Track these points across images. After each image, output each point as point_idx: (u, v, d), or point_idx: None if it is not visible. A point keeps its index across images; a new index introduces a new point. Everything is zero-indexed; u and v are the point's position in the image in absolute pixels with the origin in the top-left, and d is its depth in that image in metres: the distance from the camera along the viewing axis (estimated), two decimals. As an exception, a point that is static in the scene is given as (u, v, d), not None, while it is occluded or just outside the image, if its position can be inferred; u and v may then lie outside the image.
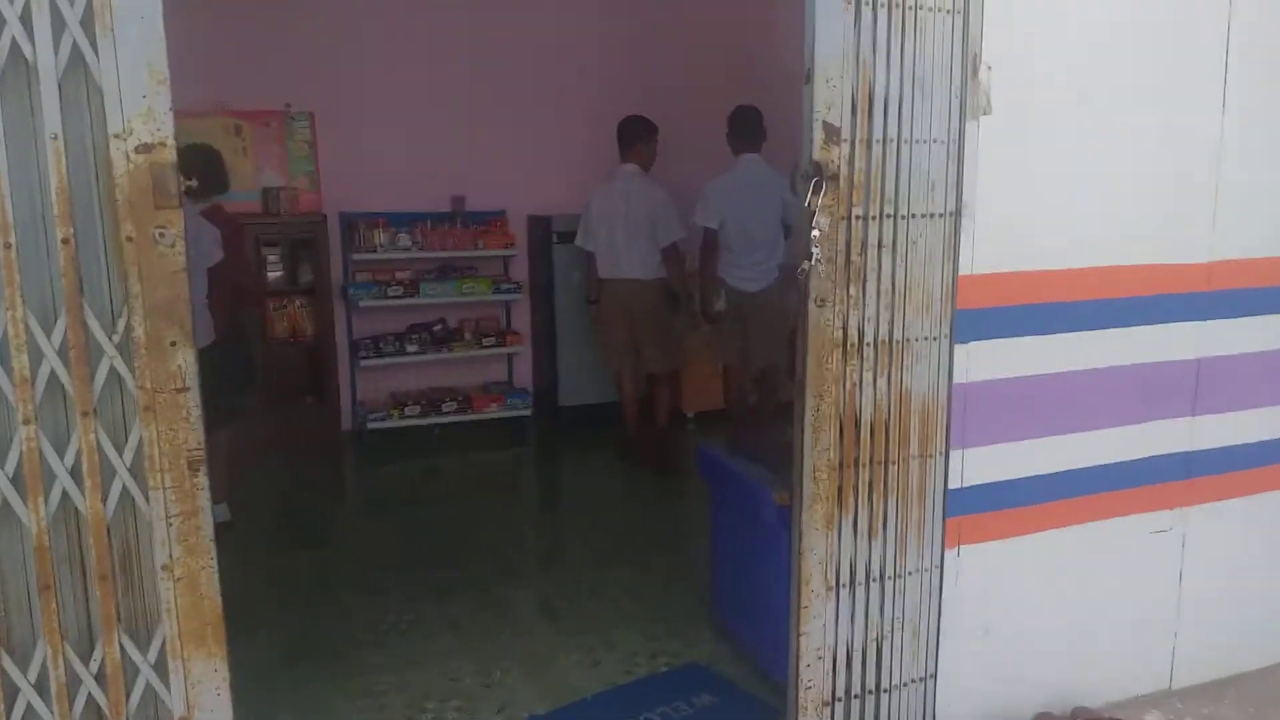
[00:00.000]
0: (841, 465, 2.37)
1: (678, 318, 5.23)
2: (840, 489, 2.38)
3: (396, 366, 5.91)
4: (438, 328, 5.93)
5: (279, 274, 5.47)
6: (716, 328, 5.15)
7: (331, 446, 5.59)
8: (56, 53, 1.75)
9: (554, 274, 5.88)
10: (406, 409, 5.67)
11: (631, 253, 5.05)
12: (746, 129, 4.91)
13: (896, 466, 2.44)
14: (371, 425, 5.62)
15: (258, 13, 5.41)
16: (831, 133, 2.23)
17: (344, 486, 5.21)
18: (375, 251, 5.61)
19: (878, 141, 2.28)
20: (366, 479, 5.33)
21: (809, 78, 2.21)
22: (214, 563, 1.96)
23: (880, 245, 2.33)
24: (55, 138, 1.76)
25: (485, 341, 5.92)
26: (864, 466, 2.39)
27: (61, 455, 1.84)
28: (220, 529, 2.02)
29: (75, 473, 1.85)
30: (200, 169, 4.47)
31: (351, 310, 5.73)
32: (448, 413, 5.77)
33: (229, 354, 4.55)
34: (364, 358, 5.64)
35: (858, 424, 2.37)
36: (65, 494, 1.85)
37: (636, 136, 5.07)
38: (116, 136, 1.80)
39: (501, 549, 4.16)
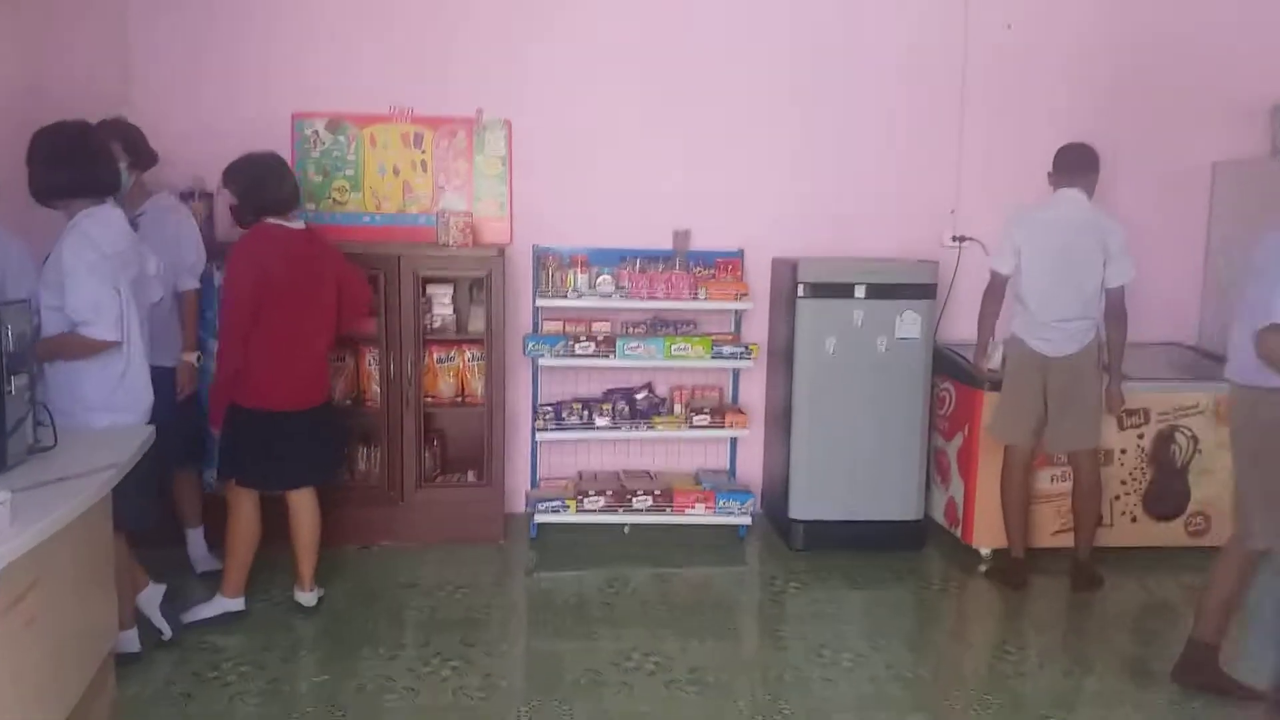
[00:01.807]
0: None
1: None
2: None
3: (581, 444, 4.65)
4: (641, 395, 4.60)
5: (448, 318, 4.40)
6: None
7: (490, 536, 4.39)
8: None
9: (796, 337, 4.36)
10: (587, 500, 4.36)
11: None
12: (1075, 163, 3.95)
13: None
14: (542, 517, 4.38)
15: (449, 8, 4.46)
16: None
17: (494, 594, 3.96)
18: (567, 296, 4.39)
19: None
20: (526, 586, 4.05)
21: None
22: None
23: None
24: None
25: (698, 420, 4.49)
26: None
27: None
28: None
29: None
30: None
31: (535, 370, 4.55)
32: (640, 509, 4.39)
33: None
34: (540, 429, 4.42)
35: None
36: None
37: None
38: None
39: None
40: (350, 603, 3.73)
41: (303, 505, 3.61)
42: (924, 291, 4.39)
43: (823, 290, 4.31)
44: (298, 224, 3.54)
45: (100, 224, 2.91)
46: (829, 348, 4.32)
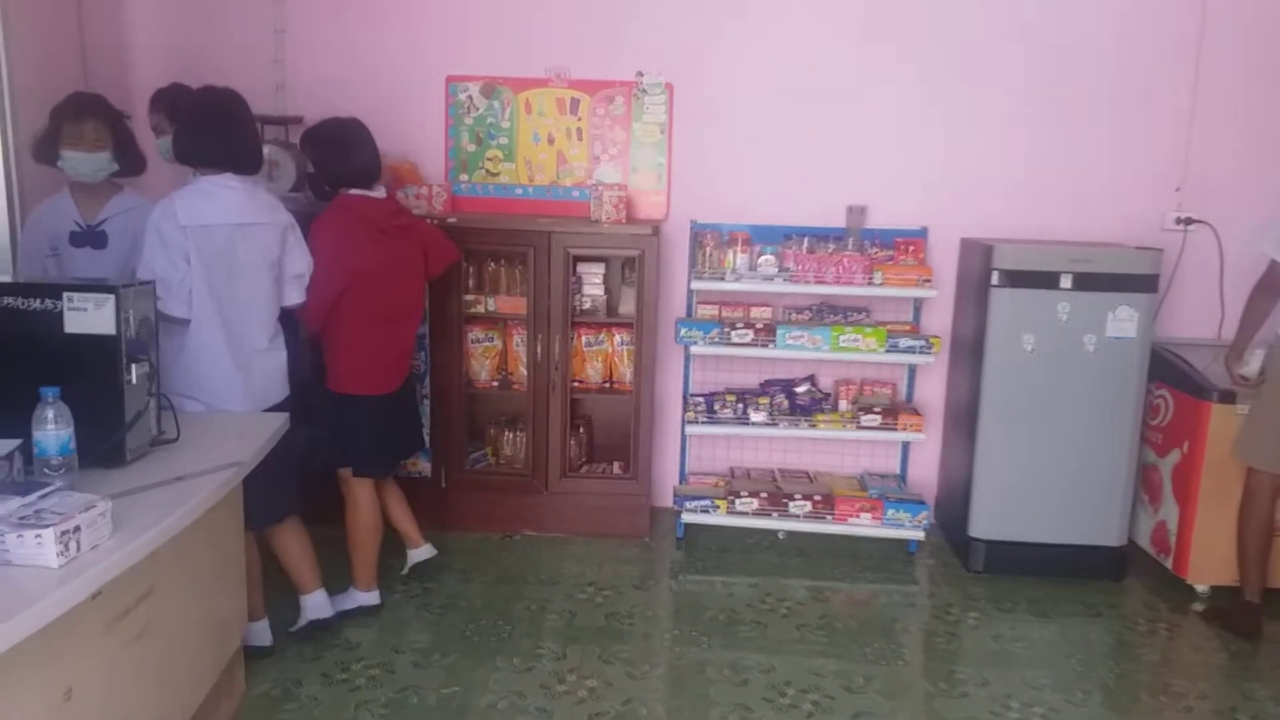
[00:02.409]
0: None
1: None
2: None
3: (734, 440, 4.28)
4: (802, 389, 4.17)
5: (599, 299, 4.10)
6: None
7: (635, 531, 4.10)
8: None
9: (987, 331, 3.82)
10: (739, 501, 3.99)
11: None
12: None
13: None
14: (690, 516, 4.05)
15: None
16: None
17: (636, 600, 3.67)
18: (725, 279, 4.00)
19: None
20: (672, 592, 3.75)
21: None
22: None
23: None
24: None
25: (866, 420, 4.03)
26: None
27: None
28: None
29: None
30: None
31: (688, 357, 4.20)
32: (797, 515, 3.99)
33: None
34: (690, 420, 4.07)
35: None
36: None
37: None
38: None
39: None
40: (489, 600, 3.53)
41: (388, 485, 3.55)
42: (1143, 284, 3.74)
43: (1022, 279, 3.73)
44: (379, 192, 3.30)
45: (194, 194, 2.74)
46: (1026, 345, 3.76)
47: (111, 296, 2.14)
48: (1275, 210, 3.39)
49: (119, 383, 2.16)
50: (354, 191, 3.22)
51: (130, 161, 2.97)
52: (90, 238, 2.91)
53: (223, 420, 2.67)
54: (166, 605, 2.17)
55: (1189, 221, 4.14)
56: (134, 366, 2.19)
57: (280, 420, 2.69)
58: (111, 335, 2.15)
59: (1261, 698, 3.10)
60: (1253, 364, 3.46)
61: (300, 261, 3.02)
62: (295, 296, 3.04)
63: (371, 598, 3.37)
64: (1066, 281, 3.74)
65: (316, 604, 3.18)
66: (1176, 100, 4.09)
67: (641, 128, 4.19)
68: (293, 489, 3.06)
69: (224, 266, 2.75)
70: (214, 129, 2.77)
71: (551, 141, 4.21)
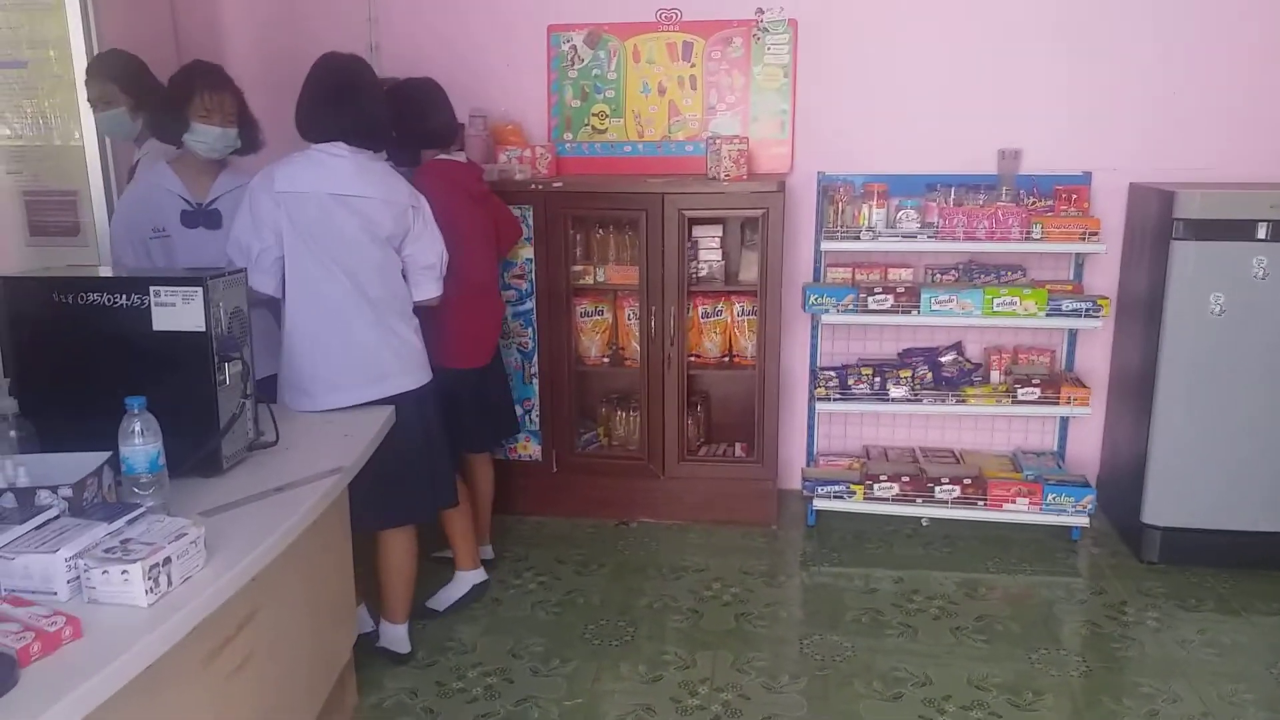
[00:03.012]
0: None
1: None
2: None
3: (869, 418, 3.89)
4: (947, 359, 3.76)
5: (716, 265, 3.75)
6: None
7: (761, 519, 3.79)
8: None
9: (1167, 291, 3.32)
10: (878, 486, 3.63)
11: None
12: None
13: None
14: (822, 503, 3.70)
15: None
16: None
17: (768, 597, 3.36)
18: (860, 237, 3.59)
19: None
20: (805, 587, 3.42)
21: None
22: None
23: None
24: None
25: (1023, 393, 3.59)
26: None
27: None
28: None
29: None
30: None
31: (816, 326, 3.83)
32: (945, 501, 3.61)
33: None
34: (820, 398, 3.71)
35: None
36: None
37: None
38: None
39: None
40: (608, 595, 3.28)
41: (483, 465, 3.39)
42: (1360, 233, 3.20)
43: (1210, 229, 3.22)
44: (460, 156, 3.13)
45: (297, 160, 2.52)
46: (1214, 306, 3.26)
47: (199, 289, 1.91)
48: None
49: (211, 384, 1.94)
50: (440, 155, 3.05)
51: (252, 137, 2.72)
52: (203, 217, 2.68)
53: (325, 418, 2.44)
54: (270, 628, 1.96)
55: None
56: (226, 365, 1.96)
57: (386, 415, 2.45)
58: (201, 332, 1.93)
59: None
60: None
61: (430, 251, 2.72)
62: (430, 289, 2.75)
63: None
64: (1263, 231, 3.21)
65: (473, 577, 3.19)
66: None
67: (762, 71, 3.78)
68: (450, 474, 2.91)
69: (324, 240, 2.49)
70: (327, 100, 2.53)
71: (663, 92, 3.85)
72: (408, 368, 2.65)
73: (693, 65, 3.81)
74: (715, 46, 3.79)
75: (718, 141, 3.58)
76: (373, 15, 3.90)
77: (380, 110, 2.63)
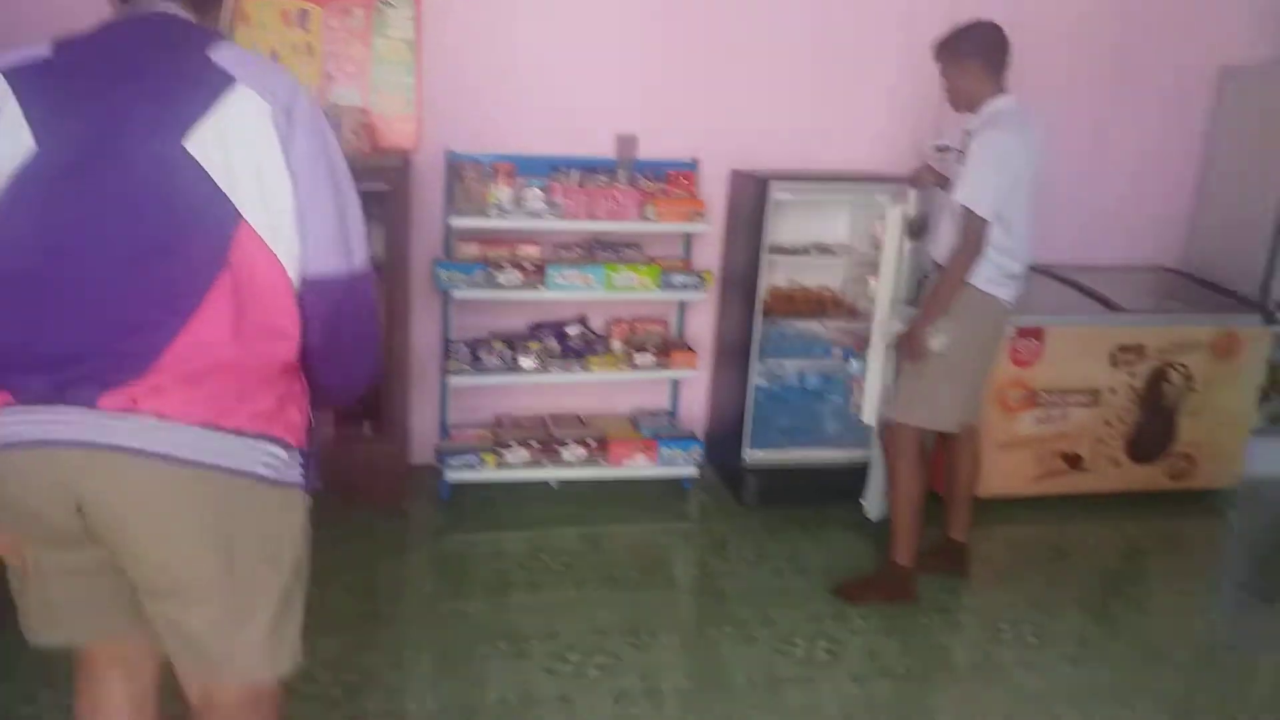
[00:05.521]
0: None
1: None
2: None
3: (501, 389, 4.01)
4: (573, 331, 3.98)
5: (343, 238, 3.65)
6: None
7: (389, 498, 3.77)
8: None
9: (760, 264, 3.77)
10: (509, 453, 3.77)
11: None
12: (999, 53, 3.04)
13: None
14: (454, 476, 3.78)
15: None
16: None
17: (381, 563, 3.38)
18: (488, 215, 3.69)
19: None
20: (428, 555, 3.47)
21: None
22: None
23: None
24: None
25: (640, 360, 3.91)
26: None
27: None
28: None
29: None
30: None
31: (447, 302, 3.87)
32: (571, 463, 3.84)
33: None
34: (452, 371, 3.78)
35: None
36: None
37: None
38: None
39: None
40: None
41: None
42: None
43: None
44: None
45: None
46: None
47: None
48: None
49: None
50: None
51: None
52: None
53: None
54: None
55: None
56: None
57: None
58: None
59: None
60: (941, 336, 3.02)
61: None
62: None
63: None
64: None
65: None
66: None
67: (385, 43, 3.72)
68: None
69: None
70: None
71: (276, 59, 3.65)
72: None
73: (309, 33, 3.65)
74: (334, 16, 3.65)
75: (338, 110, 3.47)
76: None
77: None
